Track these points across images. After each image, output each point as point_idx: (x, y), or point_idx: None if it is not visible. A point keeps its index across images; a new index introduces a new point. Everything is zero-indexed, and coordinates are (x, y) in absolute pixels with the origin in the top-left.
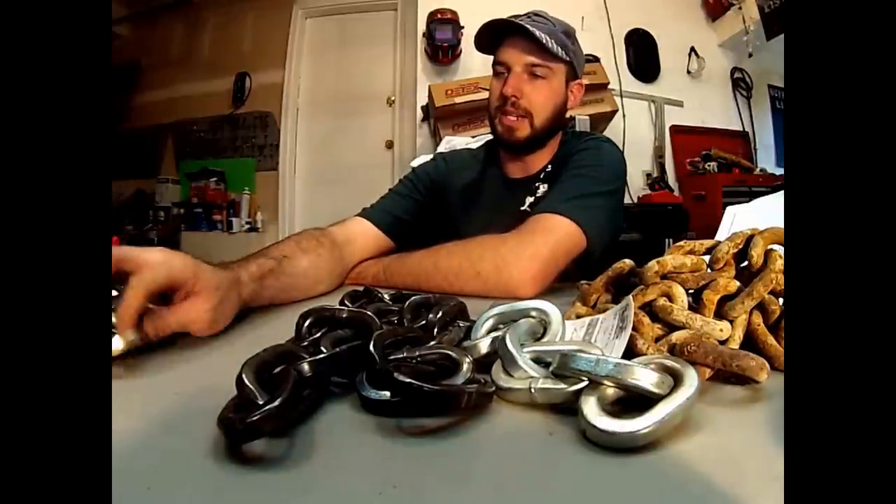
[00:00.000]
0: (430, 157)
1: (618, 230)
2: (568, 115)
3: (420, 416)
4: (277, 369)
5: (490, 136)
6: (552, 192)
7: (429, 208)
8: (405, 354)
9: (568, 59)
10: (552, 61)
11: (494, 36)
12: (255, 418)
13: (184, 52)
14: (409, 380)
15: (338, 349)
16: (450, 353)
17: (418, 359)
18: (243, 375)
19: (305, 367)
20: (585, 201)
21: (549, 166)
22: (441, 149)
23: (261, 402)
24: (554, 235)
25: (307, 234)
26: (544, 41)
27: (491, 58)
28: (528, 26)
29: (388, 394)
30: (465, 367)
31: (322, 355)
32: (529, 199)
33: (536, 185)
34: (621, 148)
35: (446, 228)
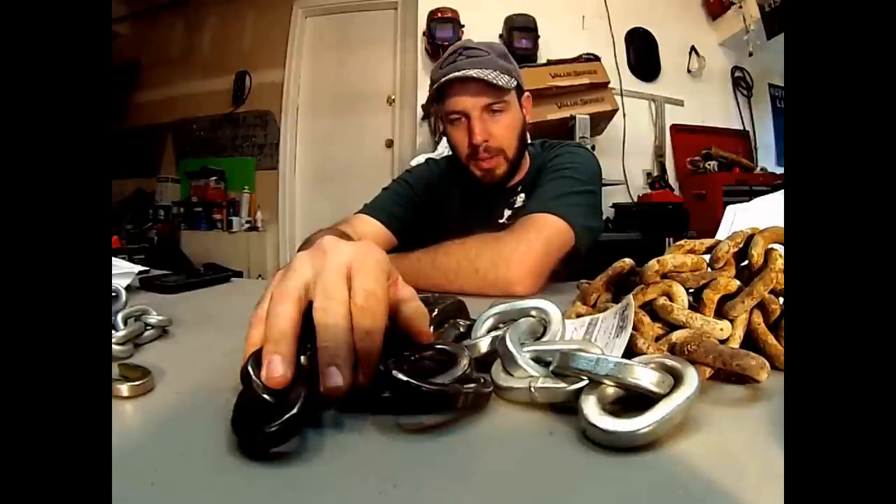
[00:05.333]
0: (429, 156)
1: (599, 229)
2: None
3: (418, 414)
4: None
5: None
6: (536, 195)
7: (422, 211)
8: (405, 352)
9: (516, 82)
10: (505, 94)
11: (442, 87)
12: (274, 428)
13: (184, 51)
14: (406, 378)
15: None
16: (447, 348)
17: (416, 356)
18: (249, 368)
19: (305, 363)
20: (569, 199)
21: (526, 178)
22: (441, 148)
23: (270, 400)
24: (546, 231)
25: (336, 231)
26: (497, 82)
27: None
28: (476, 74)
29: (386, 391)
30: (462, 362)
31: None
32: (508, 212)
33: (514, 198)
34: (622, 147)
35: (435, 233)
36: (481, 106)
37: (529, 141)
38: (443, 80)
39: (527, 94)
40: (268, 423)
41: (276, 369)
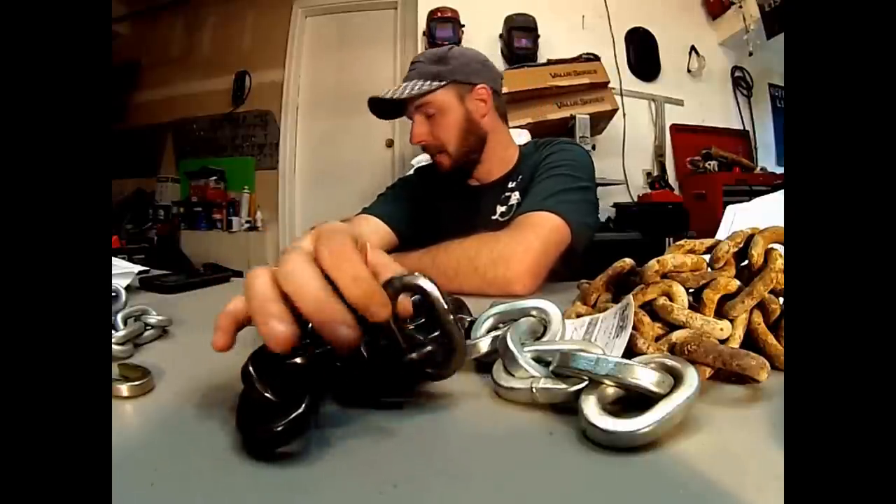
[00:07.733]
0: (421, 161)
1: (595, 225)
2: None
3: (398, 389)
4: (282, 368)
5: None
6: (532, 193)
7: (418, 215)
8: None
9: (445, 82)
10: (430, 96)
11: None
12: (281, 427)
13: (184, 51)
14: (363, 350)
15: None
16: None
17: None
18: (250, 368)
19: (304, 363)
20: (565, 196)
21: (520, 176)
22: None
23: (274, 400)
24: (543, 229)
25: None
26: (400, 94)
27: None
28: (383, 95)
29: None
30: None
31: (320, 351)
32: (501, 209)
33: (507, 194)
34: (621, 147)
35: (432, 234)
36: (413, 110)
37: (525, 141)
38: (373, 102)
39: (481, 85)
40: (272, 421)
41: (276, 328)
